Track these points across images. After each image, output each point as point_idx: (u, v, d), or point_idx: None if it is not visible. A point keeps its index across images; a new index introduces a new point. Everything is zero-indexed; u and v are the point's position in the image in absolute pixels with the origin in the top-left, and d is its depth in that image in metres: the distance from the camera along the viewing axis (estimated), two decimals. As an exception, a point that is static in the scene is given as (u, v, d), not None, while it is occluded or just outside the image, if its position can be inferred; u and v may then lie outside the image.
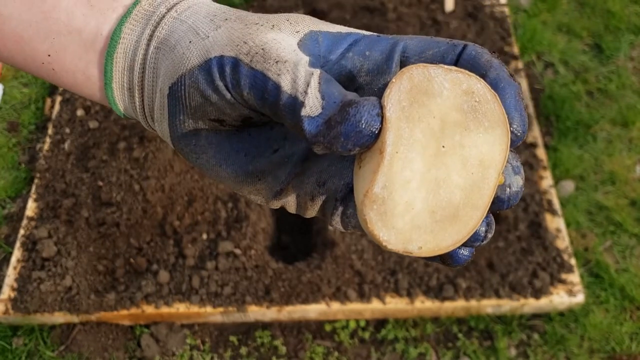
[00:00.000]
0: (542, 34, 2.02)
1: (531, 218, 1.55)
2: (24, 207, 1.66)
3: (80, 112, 1.76)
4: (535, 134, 1.71)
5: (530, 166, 1.64)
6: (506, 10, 2.01)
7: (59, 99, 1.81)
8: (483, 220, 0.31)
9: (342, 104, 0.29)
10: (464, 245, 0.31)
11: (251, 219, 1.52)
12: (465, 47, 0.31)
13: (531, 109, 1.78)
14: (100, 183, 1.59)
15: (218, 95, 0.31)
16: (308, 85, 0.29)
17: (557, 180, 1.70)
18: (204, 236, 1.50)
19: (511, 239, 1.52)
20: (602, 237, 1.63)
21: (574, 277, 1.47)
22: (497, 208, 0.31)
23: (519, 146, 1.69)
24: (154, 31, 0.34)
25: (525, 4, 2.14)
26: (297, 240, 1.62)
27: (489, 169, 0.29)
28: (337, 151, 0.29)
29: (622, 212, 1.67)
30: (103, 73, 0.36)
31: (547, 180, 1.62)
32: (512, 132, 0.30)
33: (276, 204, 0.36)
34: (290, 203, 0.36)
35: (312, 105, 0.29)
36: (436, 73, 0.29)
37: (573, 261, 1.50)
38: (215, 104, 0.31)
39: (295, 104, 0.29)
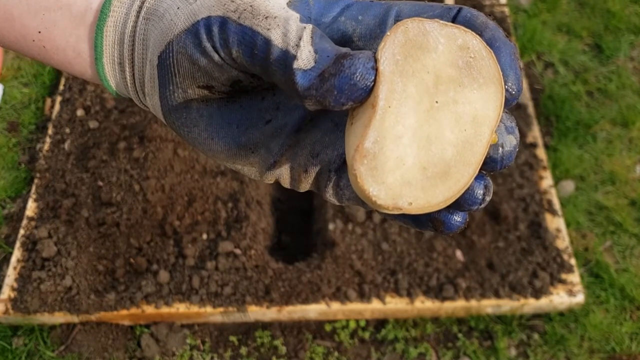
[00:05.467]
0: (542, 34, 2.02)
1: (531, 218, 1.55)
2: (24, 207, 1.66)
3: (80, 112, 1.76)
4: (535, 134, 1.71)
5: (530, 166, 1.64)
6: (506, 10, 2.01)
7: (59, 99, 1.81)
8: (480, 183, 0.30)
9: (336, 56, 0.28)
10: (460, 209, 0.31)
11: (251, 219, 1.52)
12: (460, 10, 0.31)
13: (531, 109, 1.78)
14: (100, 183, 1.59)
15: (206, 58, 0.31)
16: (300, 39, 0.29)
17: (557, 180, 1.70)
18: (204, 236, 1.50)
19: (511, 239, 1.52)
20: (602, 237, 1.63)
21: (574, 277, 1.47)
22: (491, 168, 0.30)
23: (519, 146, 1.68)
24: (143, 2, 0.34)
25: (525, 4, 2.14)
26: (297, 240, 1.62)
27: (482, 126, 0.29)
28: (330, 106, 0.28)
29: (622, 212, 1.67)
30: (93, 48, 0.35)
31: (547, 180, 1.62)
32: (506, 90, 0.30)
33: (270, 178, 0.36)
34: (284, 176, 0.35)
35: (305, 59, 0.28)
36: (432, 27, 0.29)
37: (573, 261, 1.50)
38: (204, 67, 0.31)
39: (287, 57, 0.28)
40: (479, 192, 0.30)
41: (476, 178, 0.30)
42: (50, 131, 1.74)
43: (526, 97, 1.80)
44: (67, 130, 1.73)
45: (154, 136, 1.62)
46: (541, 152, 1.68)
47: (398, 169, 0.28)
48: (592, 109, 1.88)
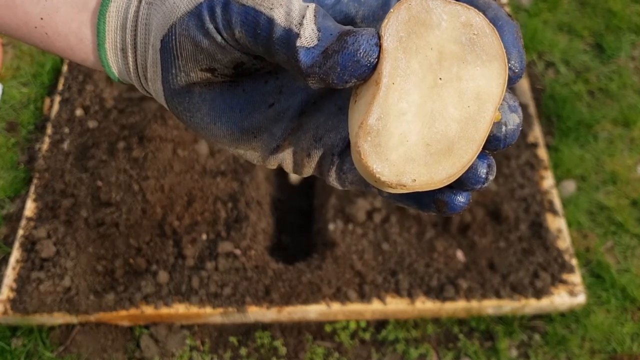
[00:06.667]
0: (543, 33, 2.02)
1: (532, 218, 1.54)
2: (22, 208, 1.65)
3: (79, 112, 1.75)
4: (537, 134, 1.71)
5: (532, 166, 1.63)
6: (507, 9, 2.00)
7: (58, 98, 1.81)
8: (484, 161, 0.30)
9: (339, 33, 0.28)
10: (463, 188, 0.31)
11: (251, 219, 1.52)
12: None
13: (532, 109, 1.77)
14: (100, 183, 1.58)
15: (209, 40, 0.30)
16: (303, 17, 0.29)
17: (558, 180, 1.69)
18: (204, 236, 1.50)
19: (512, 239, 1.51)
20: (604, 237, 1.63)
21: (575, 278, 1.47)
22: (494, 147, 0.30)
23: (520, 145, 1.68)
24: None
25: (526, 4, 2.13)
26: (297, 240, 1.61)
27: (485, 102, 0.29)
28: (333, 83, 0.28)
29: (624, 212, 1.66)
30: (96, 34, 0.35)
31: (548, 181, 1.62)
32: (509, 68, 0.30)
33: (273, 163, 0.35)
34: (287, 161, 0.35)
35: (308, 37, 0.28)
36: (435, 4, 0.29)
37: (574, 261, 1.49)
38: (206, 49, 0.31)
39: (290, 36, 0.28)
40: (482, 170, 0.30)
41: (479, 157, 0.30)
42: (49, 131, 1.74)
43: (527, 97, 1.80)
44: (66, 130, 1.72)
45: (153, 136, 1.61)
46: (542, 152, 1.67)
47: (402, 146, 0.28)
48: (593, 108, 1.87)
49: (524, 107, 1.76)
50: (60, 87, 1.84)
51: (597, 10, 2.11)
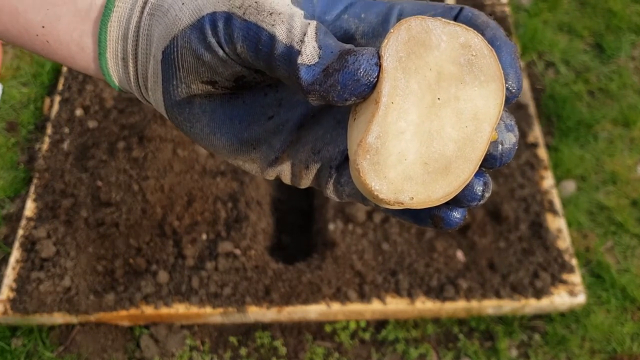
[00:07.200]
0: (543, 33, 2.02)
1: (532, 218, 1.54)
2: (22, 207, 1.65)
3: (79, 112, 1.75)
4: (537, 134, 1.71)
5: (532, 166, 1.63)
6: (507, 9, 2.00)
7: (57, 98, 1.81)
8: (480, 179, 0.31)
9: (340, 52, 0.29)
10: (459, 205, 0.31)
11: (251, 219, 1.52)
12: (461, 9, 0.31)
13: (532, 109, 1.77)
14: (100, 183, 1.58)
15: (210, 53, 0.31)
16: (305, 35, 0.29)
17: (558, 180, 1.69)
18: (204, 236, 1.50)
19: (512, 239, 1.51)
20: (604, 237, 1.63)
21: (575, 278, 1.47)
22: (490, 165, 0.31)
23: (520, 145, 1.68)
24: None
25: (526, 4, 2.13)
26: (297, 240, 1.61)
27: (483, 122, 0.29)
28: (333, 101, 0.29)
29: (624, 212, 1.66)
30: (97, 43, 0.36)
31: (548, 181, 1.62)
32: (507, 88, 0.30)
33: (271, 174, 0.36)
34: (285, 172, 0.36)
35: (309, 54, 0.29)
36: (434, 25, 0.29)
37: (574, 261, 1.49)
38: (208, 62, 0.31)
39: (291, 53, 0.29)
40: (479, 188, 0.31)
41: (476, 175, 0.31)
42: (49, 131, 1.74)
43: (527, 97, 1.80)
44: (66, 130, 1.72)
45: (153, 136, 1.61)
46: (542, 152, 1.67)
47: (400, 164, 0.29)
48: (593, 108, 1.87)
49: (524, 107, 1.76)
50: (60, 87, 1.84)
51: (597, 10, 2.11)
